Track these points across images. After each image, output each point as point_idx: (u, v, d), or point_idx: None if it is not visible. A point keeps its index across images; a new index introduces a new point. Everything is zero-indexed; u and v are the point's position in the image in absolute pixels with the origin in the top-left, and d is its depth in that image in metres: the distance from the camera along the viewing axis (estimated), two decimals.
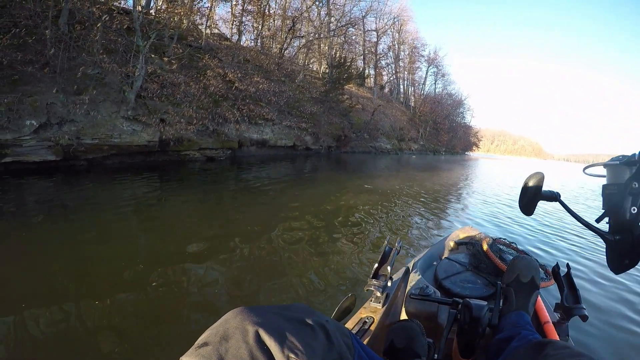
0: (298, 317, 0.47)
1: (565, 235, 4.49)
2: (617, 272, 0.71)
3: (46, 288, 1.99)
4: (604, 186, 0.72)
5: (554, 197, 0.82)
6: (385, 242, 1.13)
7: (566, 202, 0.84)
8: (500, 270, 1.36)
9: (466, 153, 50.20)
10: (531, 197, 0.81)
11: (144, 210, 3.95)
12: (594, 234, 0.75)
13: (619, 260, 0.70)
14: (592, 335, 2.01)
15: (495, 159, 58.74)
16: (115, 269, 2.28)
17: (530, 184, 0.81)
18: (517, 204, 0.86)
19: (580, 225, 0.75)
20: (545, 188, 0.81)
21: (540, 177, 0.81)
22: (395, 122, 28.78)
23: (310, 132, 15.43)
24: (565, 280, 1.00)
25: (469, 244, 1.63)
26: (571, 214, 0.81)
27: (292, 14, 18.19)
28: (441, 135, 38.10)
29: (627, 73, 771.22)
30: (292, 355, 0.39)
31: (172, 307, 1.92)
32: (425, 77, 40.17)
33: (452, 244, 1.75)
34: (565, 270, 1.01)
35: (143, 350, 1.57)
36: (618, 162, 0.68)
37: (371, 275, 1.04)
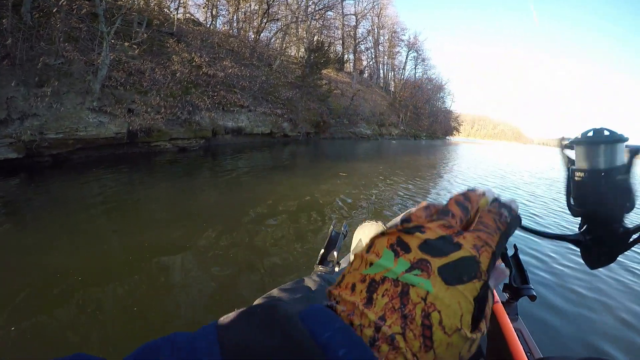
0: None
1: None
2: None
3: (7, 299, 1.89)
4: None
5: None
6: (331, 226, 1.12)
7: None
8: None
9: (447, 138, 51.03)
10: None
11: (114, 207, 3.87)
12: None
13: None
14: (543, 314, 2.13)
15: (476, 143, 58.72)
16: (86, 273, 2.23)
17: None
18: None
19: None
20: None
21: None
22: (375, 107, 28.97)
23: (287, 118, 15.39)
24: (512, 261, 0.97)
25: None
26: None
27: None
28: (422, 120, 38.65)
29: (603, 58, 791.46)
30: None
31: (148, 309, 1.92)
32: (405, 62, 40.43)
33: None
34: (513, 251, 0.99)
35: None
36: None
37: (317, 262, 1.02)
